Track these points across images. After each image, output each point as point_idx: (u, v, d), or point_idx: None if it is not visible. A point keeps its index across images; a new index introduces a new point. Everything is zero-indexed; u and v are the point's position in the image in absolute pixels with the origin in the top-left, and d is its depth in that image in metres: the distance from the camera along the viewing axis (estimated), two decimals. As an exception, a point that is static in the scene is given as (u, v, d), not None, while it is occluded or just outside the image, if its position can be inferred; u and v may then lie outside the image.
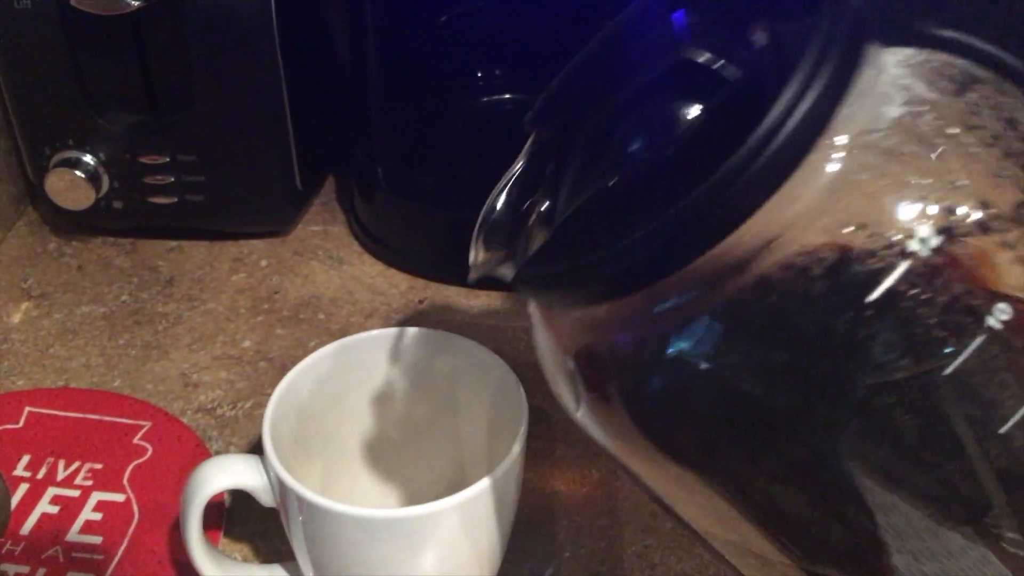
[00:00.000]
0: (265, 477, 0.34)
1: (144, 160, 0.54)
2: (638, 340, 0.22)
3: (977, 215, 0.20)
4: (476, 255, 0.30)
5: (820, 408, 0.20)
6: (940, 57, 0.22)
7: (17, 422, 0.46)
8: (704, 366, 0.21)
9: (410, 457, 0.42)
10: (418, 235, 0.56)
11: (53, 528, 0.41)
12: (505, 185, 0.30)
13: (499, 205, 0.30)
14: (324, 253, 0.59)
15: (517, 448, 0.33)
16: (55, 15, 0.50)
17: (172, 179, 0.55)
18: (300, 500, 0.32)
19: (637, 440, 0.23)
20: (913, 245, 0.20)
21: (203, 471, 0.34)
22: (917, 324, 0.20)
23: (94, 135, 0.53)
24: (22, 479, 0.43)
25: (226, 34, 0.51)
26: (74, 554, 0.40)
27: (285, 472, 0.32)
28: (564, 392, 0.26)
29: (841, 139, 0.20)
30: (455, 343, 0.38)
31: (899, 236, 0.20)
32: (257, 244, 0.59)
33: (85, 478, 0.43)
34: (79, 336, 0.52)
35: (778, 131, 0.19)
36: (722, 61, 0.24)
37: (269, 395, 0.36)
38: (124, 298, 0.55)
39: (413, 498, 0.42)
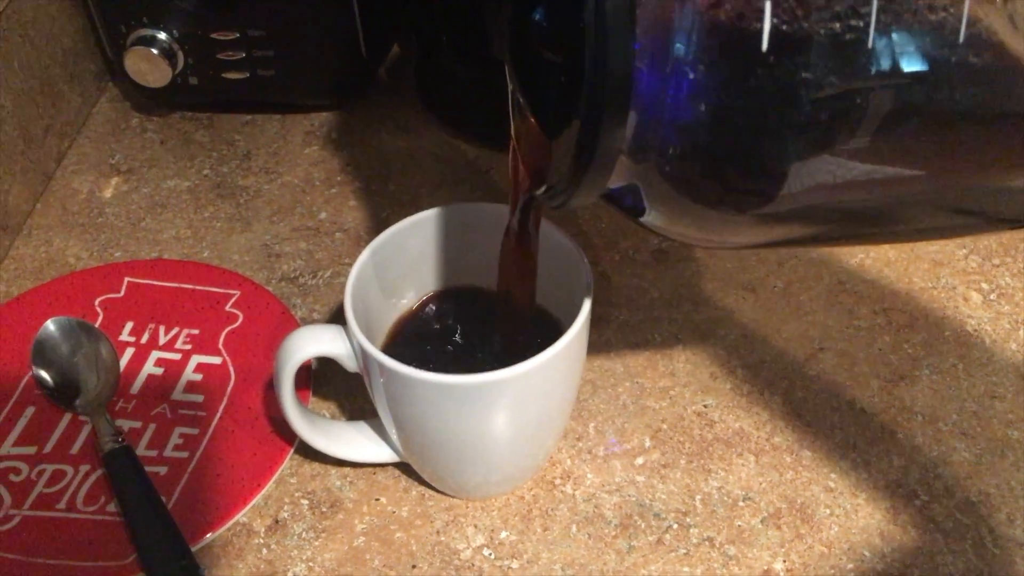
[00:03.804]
0: (349, 345, 0.36)
1: (216, 36, 0.55)
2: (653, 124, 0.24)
3: None
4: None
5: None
6: None
7: (119, 291, 0.50)
8: (701, 109, 0.23)
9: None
10: (483, 104, 0.57)
11: (159, 388, 0.45)
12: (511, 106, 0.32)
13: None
14: (392, 124, 0.60)
15: (583, 316, 0.35)
16: None
17: (243, 54, 0.56)
18: (381, 366, 0.34)
19: (678, 200, 0.26)
20: None
21: (293, 340, 0.36)
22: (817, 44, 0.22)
23: (167, 12, 0.54)
24: (128, 344, 0.47)
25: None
26: (180, 411, 0.44)
27: (367, 340, 0.34)
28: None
29: None
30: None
31: None
32: (327, 117, 0.61)
33: (184, 342, 0.47)
34: (167, 209, 0.55)
35: None
36: None
37: (346, 264, 0.38)
38: (206, 172, 0.58)
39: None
